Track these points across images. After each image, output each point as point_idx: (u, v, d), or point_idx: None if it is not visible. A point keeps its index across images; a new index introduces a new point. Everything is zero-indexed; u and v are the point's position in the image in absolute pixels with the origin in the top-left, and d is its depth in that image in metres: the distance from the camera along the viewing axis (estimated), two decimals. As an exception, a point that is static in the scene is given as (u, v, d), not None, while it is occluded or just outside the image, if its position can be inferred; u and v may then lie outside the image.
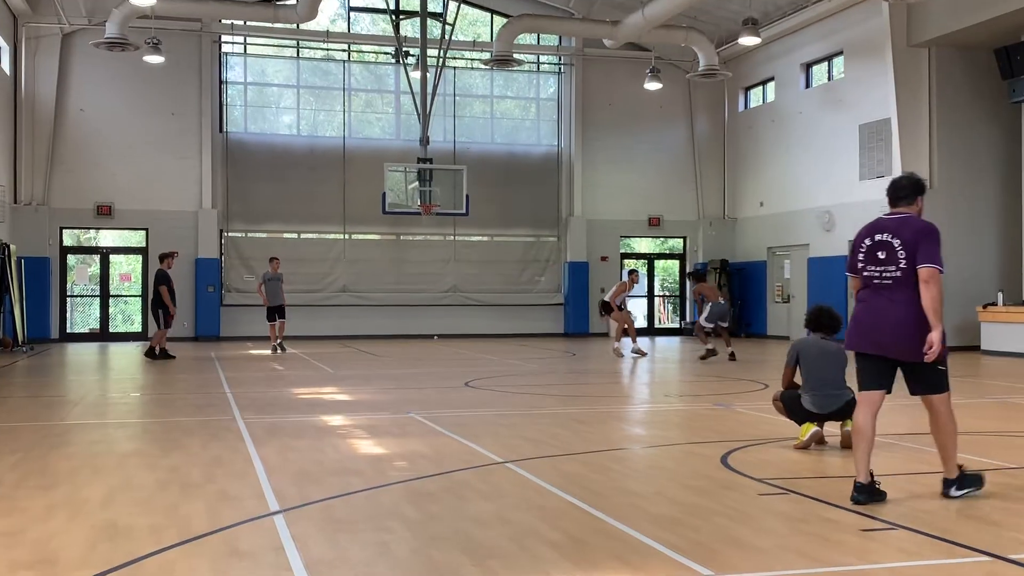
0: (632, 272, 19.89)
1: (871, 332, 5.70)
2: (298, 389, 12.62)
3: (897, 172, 20.21)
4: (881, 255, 5.64)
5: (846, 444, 7.42)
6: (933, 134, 20.60)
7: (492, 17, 26.83)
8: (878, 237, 5.69)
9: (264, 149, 25.64)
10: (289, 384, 13.32)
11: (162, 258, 18.71)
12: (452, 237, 26.68)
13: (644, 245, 28.94)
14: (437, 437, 8.34)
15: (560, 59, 27.48)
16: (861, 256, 5.77)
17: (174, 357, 18.00)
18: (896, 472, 6.59)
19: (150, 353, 17.82)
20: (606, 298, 19.32)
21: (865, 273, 5.75)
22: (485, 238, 27.20)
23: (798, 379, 7.79)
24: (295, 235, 26.02)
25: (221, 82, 25.38)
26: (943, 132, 20.59)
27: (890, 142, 20.88)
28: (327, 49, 26.21)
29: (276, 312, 20.01)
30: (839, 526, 5.14)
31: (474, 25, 27.16)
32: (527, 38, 26.04)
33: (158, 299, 18.08)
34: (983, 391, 12.14)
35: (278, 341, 19.95)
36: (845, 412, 7.51)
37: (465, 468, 6.87)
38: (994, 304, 19.22)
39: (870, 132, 21.94)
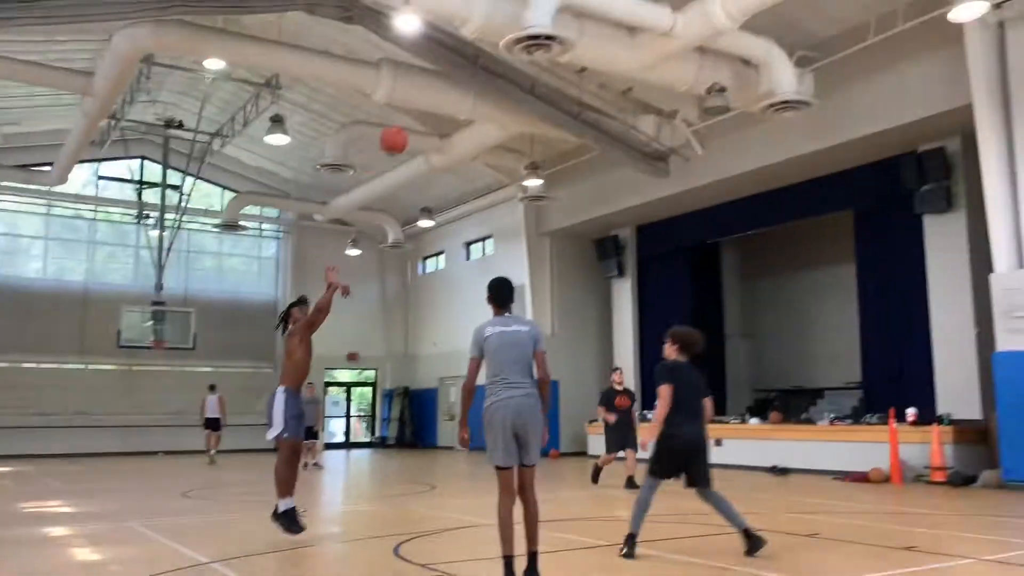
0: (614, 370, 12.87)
1: None
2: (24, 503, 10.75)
3: (530, 323, 21.65)
4: None
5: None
6: (554, 296, 21.56)
7: (223, 191, 25.68)
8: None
9: (9, 289, 22.86)
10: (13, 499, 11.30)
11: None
12: (181, 368, 24.53)
13: (344, 375, 28.02)
14: (150, 544, 7.23)
15: (280, 227, 26.77)
16: None
17: None
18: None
19: None
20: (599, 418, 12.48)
21: None
22: (209, 369, 25.00)
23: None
24: (34, 364, 22.98)
25: (-27, 231, 21.89)
26: (560, 295, 21.59)
27: (524, 301, 21.37)
28: (76, 208, 23.93)
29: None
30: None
31: (207, 196, 25.70)
32: (253, 209, 25.12)
33: None
34: (588, 485, 12.41)
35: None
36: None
37: (173, 571, 5.88)
38: (595, 420, 20.19)
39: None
